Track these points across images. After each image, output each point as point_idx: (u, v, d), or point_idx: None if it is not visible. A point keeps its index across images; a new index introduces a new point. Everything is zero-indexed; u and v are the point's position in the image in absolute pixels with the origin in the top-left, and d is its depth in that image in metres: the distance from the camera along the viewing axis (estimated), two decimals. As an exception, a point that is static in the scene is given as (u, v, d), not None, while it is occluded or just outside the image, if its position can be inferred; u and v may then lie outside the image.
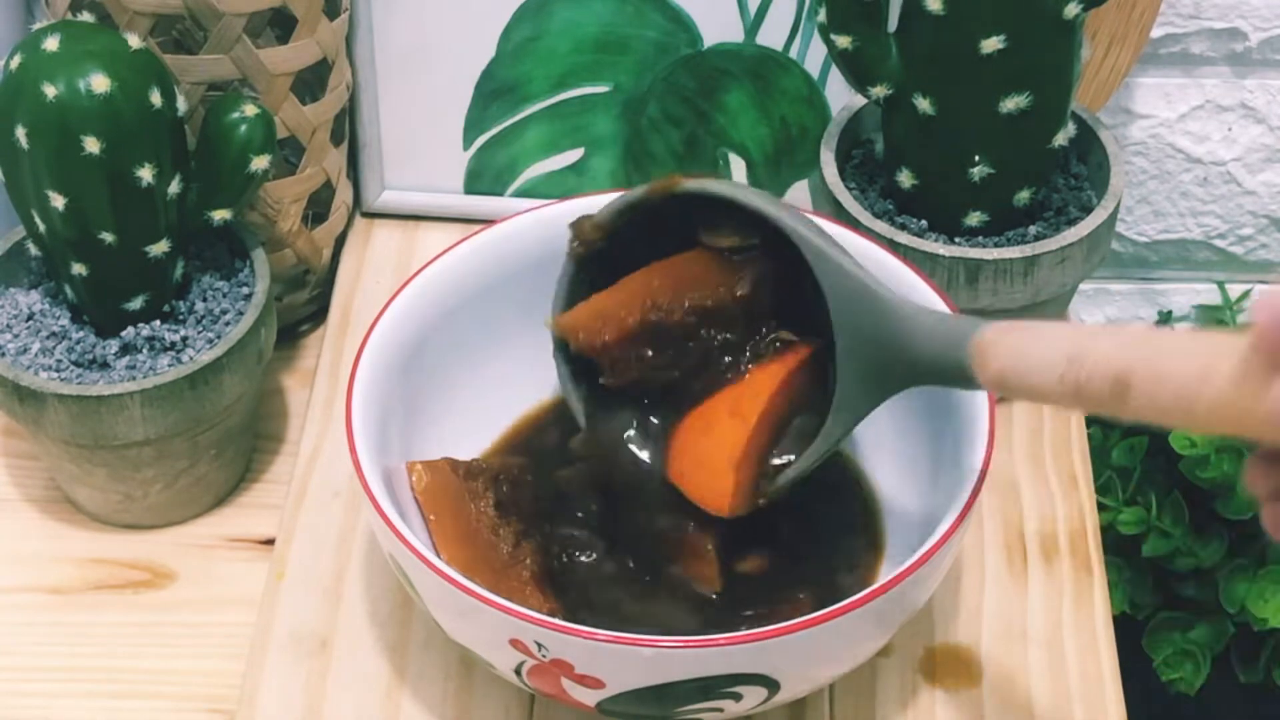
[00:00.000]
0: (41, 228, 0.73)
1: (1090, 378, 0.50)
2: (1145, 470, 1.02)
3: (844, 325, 0.64)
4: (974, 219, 0.78)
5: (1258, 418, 0.46)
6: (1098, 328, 0.53)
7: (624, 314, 0.69)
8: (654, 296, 0.69)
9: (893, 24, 0.76)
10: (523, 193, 0.92)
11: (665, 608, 0.70)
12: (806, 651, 0.63)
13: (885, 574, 0.69)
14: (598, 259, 0.71)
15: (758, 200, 0.68)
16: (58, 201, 0.71)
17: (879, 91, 0.77)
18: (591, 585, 0.71)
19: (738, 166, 0.91)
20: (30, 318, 0.76)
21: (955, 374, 0.60)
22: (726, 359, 0.70)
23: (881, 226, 0.77)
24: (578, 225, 0.71)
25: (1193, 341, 0.49)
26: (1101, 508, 0.99)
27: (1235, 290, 1.08)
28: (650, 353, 0.70)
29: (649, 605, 0.70)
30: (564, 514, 0.73)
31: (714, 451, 0.69)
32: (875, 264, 0.74)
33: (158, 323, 0.76)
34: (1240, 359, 0.47)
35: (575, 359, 0.72)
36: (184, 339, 0.75)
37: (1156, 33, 0.97)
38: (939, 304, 0.72)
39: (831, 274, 0.65)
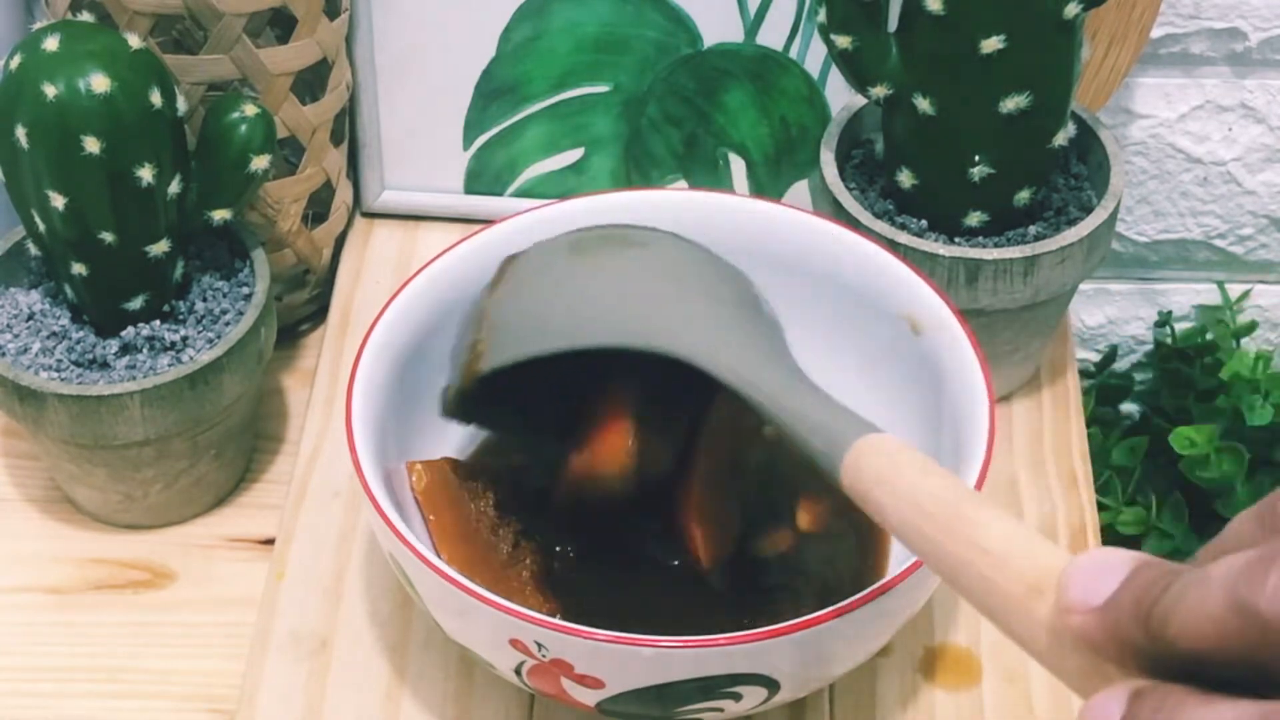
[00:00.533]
0: (41, 228, 0.73)
1: (933, 569, 0.49)
2: (1145, 470, 1.02)
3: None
4: (974, 219, 0.78)
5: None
6: (944, 543, 0.48)
7: (620, 449, 0.69)
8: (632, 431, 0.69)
9: (893, 24, 0.76)
10: (523, 193, 0.92)
11: (667, 603, 0.70)
12: (806, 651, 0.63)
13: (888, 573, 0.69)
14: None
15: (594, 338, 0.64)
16: (58, 201, 0.71)
17: (879, 91, 0.77)
18: (591, 581, 0.71)
19: (738, 166, 0.91)
20: (30, 318, 0.76)
21: (823, 472, 0.56)
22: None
23: (881, 226, 0.77)
24: (443, 400, 0.70)
25: (1033, 631, 0.44)
26: (1101, 508, 0.99)
27: (1235, 290, 1.08)
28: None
29: (650, 600, 0.70)
30: (565, 513, 0.73)
31: (682, 512, 0.70)
32: (875, 264, 0.74)
33: (158, 323, 0.76)
34: (1055, 620, 0.43)
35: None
36: (184, 339, 0.75)
37: (1156, 33, 0.97)
38: (940, 307, 0.72)
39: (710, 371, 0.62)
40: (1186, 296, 1.10)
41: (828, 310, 0.75)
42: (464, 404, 0.70)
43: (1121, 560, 0.41)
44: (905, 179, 0.79)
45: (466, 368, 0.68)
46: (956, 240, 0.78)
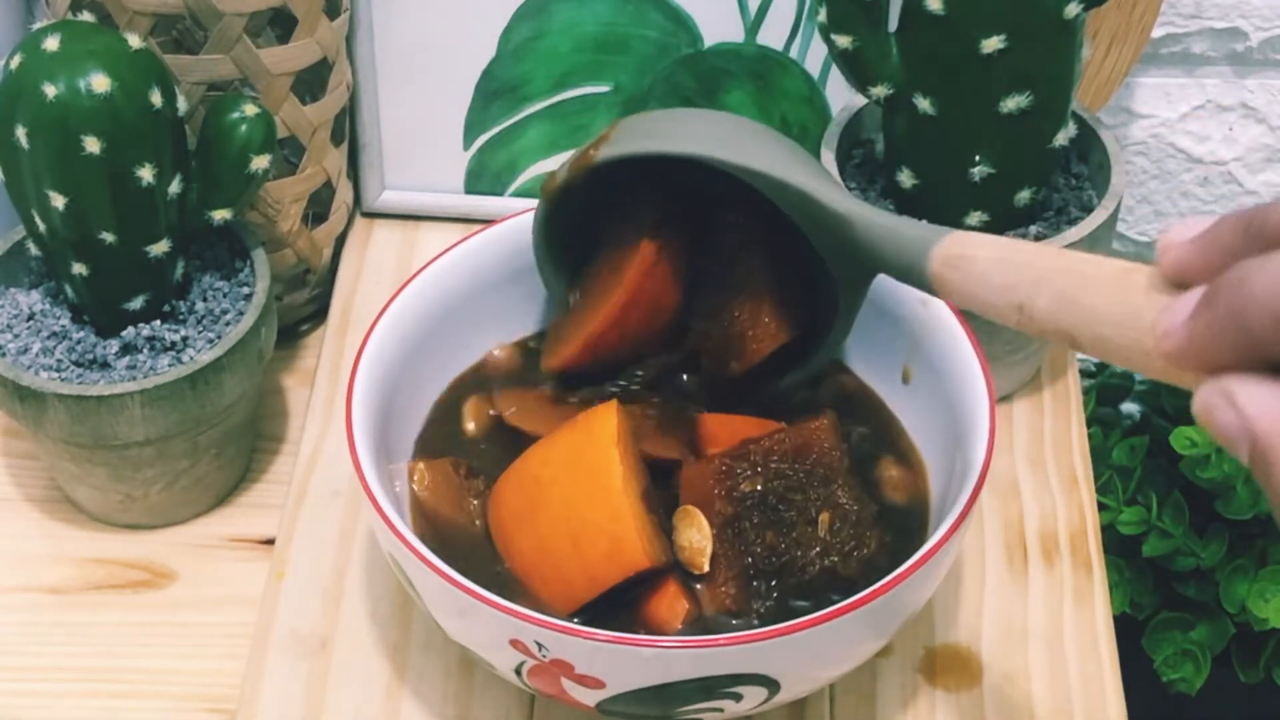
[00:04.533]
0: (41, 228, 0.73)
1: (1042, 329, 0.53)
2: (1145, 470, 1.02)
3: (813, 235, 0.67)
4: (974, 219, 0.78)
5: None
6: (1036, 262, 0.53)
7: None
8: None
9: (893, 24, 0.76)
10: (523, 193, 0.92)
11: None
12: (806, 651, 0.63)
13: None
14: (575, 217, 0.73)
15: (696, 147, 0.68)
16: (58, 201, 0.71)
17: (879, 91, 0.77)
18: None
19: (738, 166, 0.90)
20: (30, 318, 0.76)
21: (913, 280, 0.61)
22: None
23: (882, 226, 0.77)
24: (543, 190, 0.73)
25: (1125, 297, 0.49)
26: (1101, 508, 0.99)
27: (1235, 290, 1.08)
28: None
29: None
30: None
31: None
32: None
33: (158, 323, 0.76)
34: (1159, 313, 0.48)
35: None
36: (184, 339, 0.76)
37: (1157, 33, 0.97)
38: (941, 308, 0.72)
39: (781, 192, 0.67)
40: (1187, 296, 1.09)
41: (828, 310, 0.75)
42: (559, 202, 0.72)
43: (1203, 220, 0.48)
44: (905, 179, 0.79)
45: (582, 155, 0.70)
46: (957, 240, 0.78)
